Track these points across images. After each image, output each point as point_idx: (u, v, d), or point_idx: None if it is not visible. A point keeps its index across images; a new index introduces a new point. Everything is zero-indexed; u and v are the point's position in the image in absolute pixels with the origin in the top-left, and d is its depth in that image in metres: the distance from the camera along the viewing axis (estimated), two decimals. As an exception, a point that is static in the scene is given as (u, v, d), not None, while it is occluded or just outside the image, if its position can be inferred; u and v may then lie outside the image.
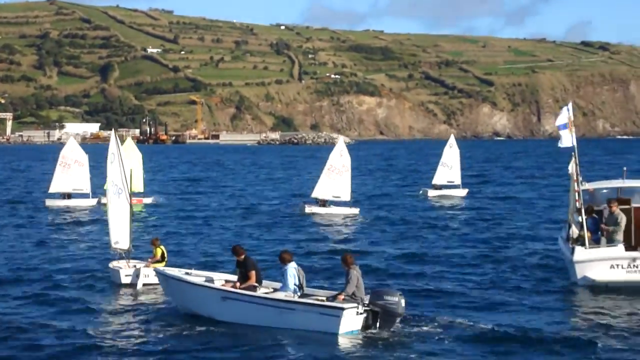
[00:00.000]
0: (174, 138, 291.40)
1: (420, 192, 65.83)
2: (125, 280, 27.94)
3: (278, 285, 23.13)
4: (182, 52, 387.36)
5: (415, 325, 22.27)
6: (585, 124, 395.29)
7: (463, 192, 64.98)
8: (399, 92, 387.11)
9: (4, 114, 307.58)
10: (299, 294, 22.50)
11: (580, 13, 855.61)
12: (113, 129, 32.42)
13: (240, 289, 22.94)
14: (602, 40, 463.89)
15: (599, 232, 27.60)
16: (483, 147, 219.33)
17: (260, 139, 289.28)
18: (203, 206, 58.74)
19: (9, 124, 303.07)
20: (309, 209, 51.76)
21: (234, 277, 23.87)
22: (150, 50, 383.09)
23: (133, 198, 58.33)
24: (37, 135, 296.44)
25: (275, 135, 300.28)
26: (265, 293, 22.90)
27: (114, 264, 28.88)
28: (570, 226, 28.34)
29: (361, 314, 21.41)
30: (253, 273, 23.14)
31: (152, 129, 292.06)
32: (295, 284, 22.50)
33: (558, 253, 31.61)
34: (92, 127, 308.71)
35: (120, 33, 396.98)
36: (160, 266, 27.72)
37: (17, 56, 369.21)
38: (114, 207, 28.89)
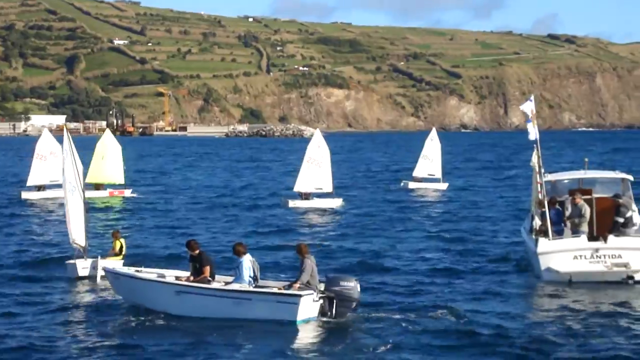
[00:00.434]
0: (141, 130, 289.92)
1: (402, 184, 65.86)
2: (83, 272, 27.69)
3: (230, 279, 23.10)
4: (149, 44, 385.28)
5: (372, 312, 22.49)
6: (552, 117, 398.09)
7: (444, 185, 65.02)
8: (367, 84, 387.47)
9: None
10: (253, 285, 22.53)
11: (547, 6, 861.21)
12: (65, 126, 31.87)
13: (194, 282, 22.93)
14: (568, 33, 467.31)
15: (562, 224, 27.77)
16: (450, 139, 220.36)
17: (228, 131, 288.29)
18: (182, 199, 58.40)
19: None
20: (292, 203, 51.53)
21: (185, 274, 23.83)
22: (116, 41, 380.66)
23: (114, 191, 58.90)
24: (3, 127, 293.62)
25: (243, 128, 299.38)
26: (218, 286, 22.88)
27: (71, 260, 28.69)
28: (533, 218, 28.51)
29: (317, 301, 21.58)
30: (207, 268, 23.10)
31: (119, 121, 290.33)
32: (250, 276, 22.55)
33: (521, 244, 31.79)
34: (58, 119, 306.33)
35: (86, 24, 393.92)
36: (117, 259, 27.53)
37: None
38: (69, 204, 28.44)
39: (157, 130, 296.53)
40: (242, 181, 75.88)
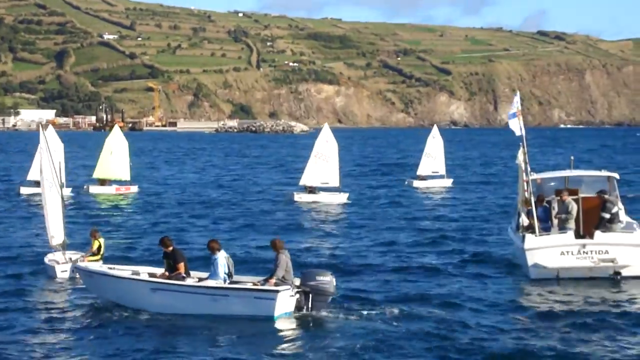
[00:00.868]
0: (130, 125, 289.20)
1: (406, 182, 65.96)
2: (62, 275, 27.46)
3: (205, 275, 23.14)
4: (139, 39, 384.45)
5: (349, 307, 22.66)
6: (541, 113, 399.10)
7: (448, 181, 65.20)
8: (357, 80, 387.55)
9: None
10: (228, 282, 22.60)
11: (536, 3, 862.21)
12: (40, 124, 31.55)
13: (168, 279, 22.96)
14: (557, 30, 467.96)
15: (549, 221, 27.93)
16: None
17: (218, 127, 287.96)
18: (188, 194, 58.40)
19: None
20: (297, 197, 51.73)
21: (159, 270, 23.86)
22: (106, 36, 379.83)
23: (120, 187, 58.93)
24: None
25: (233, 123, 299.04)
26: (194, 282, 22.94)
27: (49, 258, 28.55)
28: (519, 215, 28.62)
29: (293, 296, 21.73)
30: (182, 265, 23.15)
31: (109, 116, 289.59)
32: (225, 273, 22.62)
33: (508, 242, 31.88)
34: (48, 114, 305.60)
35: (76, 19, 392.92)
36: (95, 259, 27.44)
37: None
38: (47, 200, 28.21)
39: (146, 126, 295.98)
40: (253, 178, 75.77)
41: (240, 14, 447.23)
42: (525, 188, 28.19)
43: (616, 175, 29.48)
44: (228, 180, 72.73)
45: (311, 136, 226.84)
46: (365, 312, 22.33)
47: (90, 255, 27.84)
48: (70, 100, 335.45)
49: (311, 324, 21.39)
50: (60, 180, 28.74)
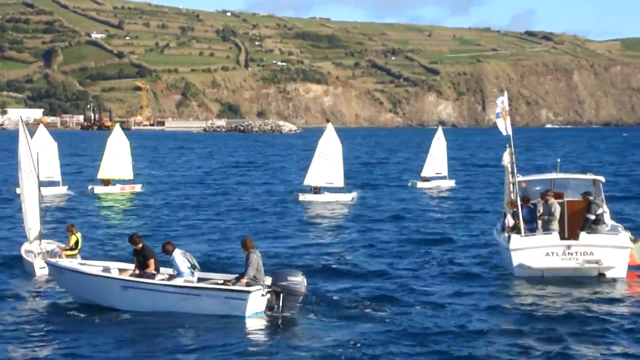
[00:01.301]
0: (118, 124, 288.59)
1: (409, 184, 66.13)
2: (40, 272, 27.34)
3: (172, 271, 23.27)
4: (127, 38, 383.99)
5: (325, 306, 22.84)
6: (529, 113, 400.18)
7: (450, 182, 65.57)
8: (346, 80, 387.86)
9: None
10: (194, 274, 22.74)
11: (524, 3, 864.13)
12: (20, 117, 31.55)
13: (139, 276, 23.08)
14: (545, 30, 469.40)
15: (534, 223, 28.08)
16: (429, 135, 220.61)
17: (207, 126, 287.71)
18: (194, 195, 58.40)
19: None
20: (302, 197, 51.80)
21: (129, 266, 23.98)
22: (94, 35, 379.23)
23: (125, 186, 59.07)
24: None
25: (221, 122, 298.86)
26: (163, 279, 23.03)
27: (25, 248, 28.51)
28: (505, 216, 28.76)
29: (264, 295, 21.85)
30: (152, 261, 23.27)
31: (97, 115, 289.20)
32: (188, 267, 22.75)
33: (493, 243, 32.00)
34: (35, 113, 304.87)
35: (64, 18, 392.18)
36: (73, 254, 27.48)
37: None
38: (25, 192, 28.25)
39: (134, 125, 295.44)
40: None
41: (229, 14, 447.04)
42: (511, 189, 28.33)
43: (602, 179, 29.61)
44: (229, 180, 72.61)
45: (299, 136, 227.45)
46: (342, 313, 22.39)
47: (68, 250, 27.84)
48: (58, 100, 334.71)
49: (281, 324, 21.48)
50: (38, 173, 28.74)
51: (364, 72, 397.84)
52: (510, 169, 28.11)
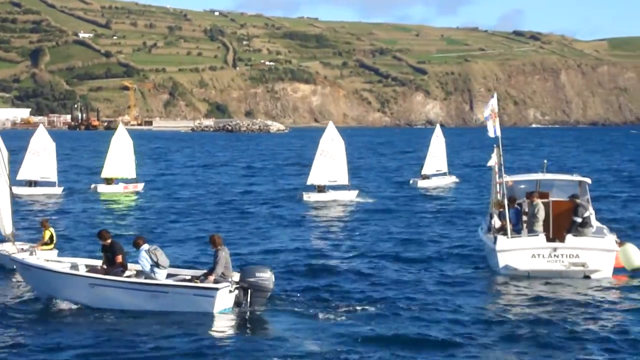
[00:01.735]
0: (106, 124, 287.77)
1: (410, 182, 66.35)
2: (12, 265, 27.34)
3: (138, 267, 23.39)
4: (115, 37, 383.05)
5: (297, 303, 22.99)
6: (517, 113, 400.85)
7: (451, 179, 65.92)
8: (334, 79, 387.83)
9: None
10: (158, 272, 22.75)
11: (512, 3, 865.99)
12: None
13: (107, 272, 23.13)
14: (533, 30, 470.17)
15: (520, 224, 28.16)
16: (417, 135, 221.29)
17: (194, 126, 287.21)
18: (194, 194, 58.58)
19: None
20: (307, 197, 51.82)
21: (97, 262, 23.99)
22: (81, 35, 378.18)
23: (128, 185, 59.38)
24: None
25: (209, 122, 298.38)
26: (131, 276, 23.14)
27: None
28: (492, 217, 28.84)
29: (232, 292, 21.98)
30: (120, 257, 23.39)
31: (84, 115, 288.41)
32: (150, 265, 22.76)
33: (479, 243, 32.08)
34: (23, 113, 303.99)
35: (51, 17, 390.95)
36: (48, 249, 27.48)
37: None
38: None
39: (122, 125, 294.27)
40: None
41: (217, 13, 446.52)
42: (498, 190, 28.42)
43: (588, 180, 29.75)
44: (233, 180, 72.61)
45: (287, 135, 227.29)
46: (314, 311, 22.40)
47: (44, 245, 27.79)
48: (45, 99, 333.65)
49: (249, 320, 21.59)
50: (8, 171, 28.62)
51: (351, 72, 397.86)
52: (497, 170, 28.21)
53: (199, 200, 54.11)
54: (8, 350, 19.43)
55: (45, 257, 25.39)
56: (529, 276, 26.94)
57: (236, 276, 22.36)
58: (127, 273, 23.31)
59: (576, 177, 30.19)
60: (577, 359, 19.31)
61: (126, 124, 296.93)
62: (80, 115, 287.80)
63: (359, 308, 22.91)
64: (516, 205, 28.56)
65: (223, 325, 21.27)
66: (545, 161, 31.11)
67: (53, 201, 53.25)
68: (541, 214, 27.78)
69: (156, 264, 22.77)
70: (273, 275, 22.33)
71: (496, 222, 28.20)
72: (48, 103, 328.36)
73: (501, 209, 27.93)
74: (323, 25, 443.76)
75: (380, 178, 74.18)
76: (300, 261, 30.70)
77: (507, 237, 27.20)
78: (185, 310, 21.85)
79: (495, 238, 27.34)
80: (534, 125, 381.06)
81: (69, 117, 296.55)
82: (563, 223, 28.11)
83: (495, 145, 28.26)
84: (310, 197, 51.78)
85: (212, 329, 21.01)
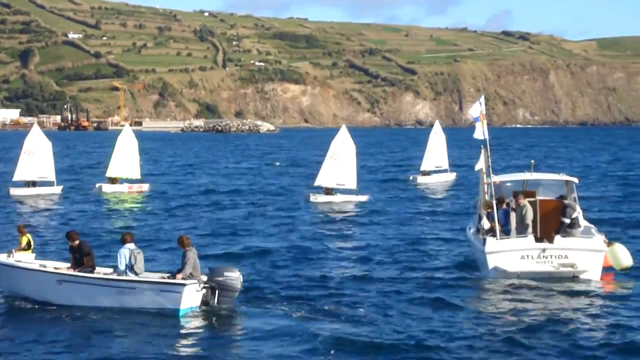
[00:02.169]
0: (95, 125, 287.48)
1: (410, 178, 66.25)
2: None
3: (109, 270, 23.39)
4: (104, 38, 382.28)
5: (267, 302, 23.14)
6: (506, 113, 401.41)
7: (451, 176, 65.93)
8: (323, 80, 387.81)
9: None
10: (130, 274, 22.72)
11: (501, 3, 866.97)
12: None
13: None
14: (522, 30, 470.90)
15: (509, 224, 28.22)
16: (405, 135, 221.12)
17: (184, 126, 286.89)
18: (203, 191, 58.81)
19: None
20: (313, 198, 51.85)
21: (64, 265, 23.96)
22: (71, 35, 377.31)
23: (132, 185, 59.55)
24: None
25: (199, 123, 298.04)
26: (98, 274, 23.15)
27: None
28: (480, 218, 28.84)
29: (199, 290, 22.09)
30: (88, 258, 23.36)
31: (74, 116, 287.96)
32: (126, 265, 22.72)
33: (466, 244, 32.16)
34: (12, 113, 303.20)
35: (40, 18, 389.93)
36: (26, 254, 27.54)
37: None
38: None
39: (112, 125, 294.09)
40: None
41: (206, 14, 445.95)
42: (486, 190, 28.49)
43: (575, 180, 29.78)
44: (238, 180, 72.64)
45: (277, 136, 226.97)
46: (299, 312, 22.45)
47: (22, 251, 27.83)
48: (35, 100, 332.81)
49: (216, 319, 21.68)
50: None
51: (341, 72, 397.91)
52: (485, 170, 28.31)
53: (207, 200, 54.08)
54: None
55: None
56: (518, 277, 26.94)
57: (204, 277, 22.45)
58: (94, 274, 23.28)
59: (563, 177, 30.24)
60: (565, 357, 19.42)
61: (116, 124, 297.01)
62: (70, 116, 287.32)
63: (341, 310, 22.89)
64: (505, 206, 28.60)
65: (189, 323, 21.35)
66: (533, 161, 31.17)
67: (54, 200, 53.31)
68: (529, 216, 27.85)
69: (132, 267, 22.73)
70: (241, 276, 22.47)
71: (485, 224, 28.19)
72: (38, 104, 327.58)
73: (489, 210, 28.00)
74: (313, 26, 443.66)
75: (374, 177, 74.13)
76: (289, 261, 30.85)
77: (496, 239, 27.24)
78: (152, 307, 21.97)
79: (484, 240, 27.37)
80: (518, 126, 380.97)
81: (58, 117, 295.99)
82: (550, 222, 28.17)
83: (482, 147, 28.33)
84: (317, 198, 51.83)
85: (178, 326, 21.08)
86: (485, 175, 28.36)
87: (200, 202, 53.30)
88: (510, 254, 27.03)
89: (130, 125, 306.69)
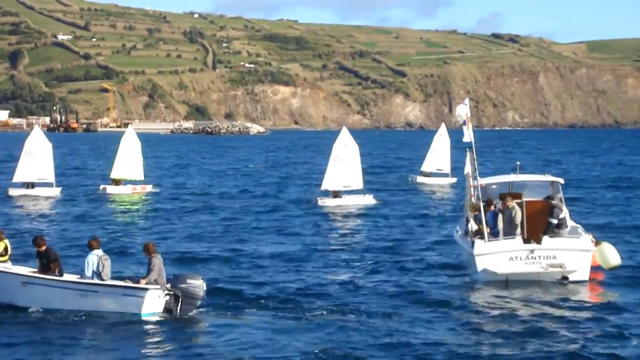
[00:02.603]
0: (85, 126, 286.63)
1: (409, 178, 66.13)
2: None
3: (77, 276, 23.39)
4: (94, 39, 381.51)
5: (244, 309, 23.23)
6: (496, 115, 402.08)
7: (452, 180, 65.79)
8: (313, 82, 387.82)
9: None
10: (96, 280, 22.78)
11: (491, 5, 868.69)
12: None
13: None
14: (511, 32, 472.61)
15: (496, 227, 28.28)
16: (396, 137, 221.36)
17: (174, 128, 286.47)
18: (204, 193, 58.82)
19: None
20: (321, 202, 51.75)
21: (31, 269, 23.99)
22: (60, 37, 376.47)
23: (136, 186, 59.65)
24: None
25: (189, 124, 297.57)
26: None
27: None
28: (468, 220, 28.90)
29: (162, 297, 22.22)
30: (55, 264, 23.42)
31: (63, 117, 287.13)
32: (93, 271, 22.78)
33: (454, 247, 32.19)
34: (1, 115, 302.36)
35: (30, 19, 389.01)
36: (3, 260, 27.45)
37: None
38: None
39: (101, 127, 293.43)
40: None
41: (196, 15, 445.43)
42: (472, 193, 28.54)
43: (561, 180, 29.83)
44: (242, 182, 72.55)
45: (268, 138, 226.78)
46: (287, 316, 22.51)
47: None
48: (24, 101, 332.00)
49: (177, 326, 21.72)
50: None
51: (331, 74, 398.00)
52: (471, 173, 28.37)
53: (211, 203, 53.90)
54: None
55: None
56: (507, 279, 27.01)
57: (168, 285, 22.57)
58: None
59: (549, 178, 30.30)
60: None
61: (105, 126, 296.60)
62: (59, 117, 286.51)
63: (327, 314, 22.87)
64: (493, 208, 28.67)
65: (151, 329, 21.44)
66: (518, 163, 31.25)
67: (51, 202, 53.22)
68: (518, 218, 27.94)
69: (99, 274, 22.79)
70: (204, 284, 22.51)
71: (473, 226, 28.24)
72: (27, 105, 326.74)
73: (476, 212, 28.07)
74: (303, 28, 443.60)
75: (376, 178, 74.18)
76: (276, 267, 30.85)
77: (485, 241, 27.30)
78: (114, 310, 22.14)
79: (473, 242, 27.42)
80: (506, 128, 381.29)
81: (47, 119, 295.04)
82: (537, 223, 28.25)
83: (468, 149, 28.39)
84: (325, 202, 51.76)
85: (139, 332, 21.14)
86: (471, 178, 28.41)
87: (200, 203, 53.12)
88: (499, 255, 27.10)
89: (120, 126, 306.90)
